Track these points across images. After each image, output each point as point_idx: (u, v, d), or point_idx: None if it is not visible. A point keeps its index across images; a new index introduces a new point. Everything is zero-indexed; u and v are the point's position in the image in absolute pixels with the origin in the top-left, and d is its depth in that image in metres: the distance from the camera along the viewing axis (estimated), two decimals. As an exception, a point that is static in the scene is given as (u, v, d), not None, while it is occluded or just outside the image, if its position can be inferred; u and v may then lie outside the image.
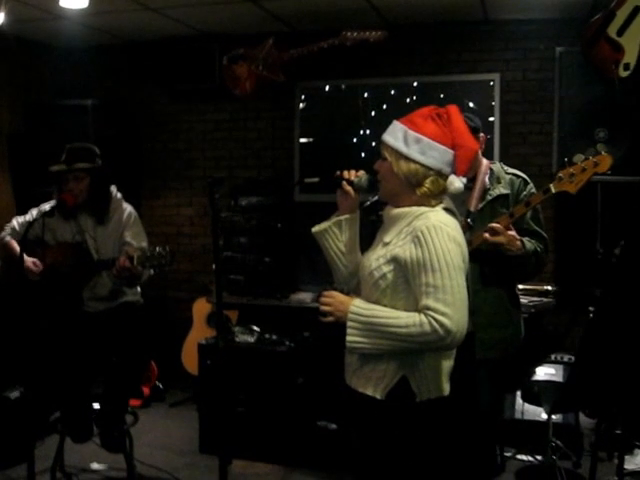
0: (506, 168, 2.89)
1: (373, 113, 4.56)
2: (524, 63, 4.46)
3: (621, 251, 3.21)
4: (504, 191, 2.77)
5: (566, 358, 3.90)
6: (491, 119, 4.31)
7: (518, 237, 2.60)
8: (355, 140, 4.60)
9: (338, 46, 4.20)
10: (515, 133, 4.48)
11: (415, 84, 4.50)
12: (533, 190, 2.77)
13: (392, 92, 4.53)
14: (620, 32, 3.36)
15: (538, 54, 4.41)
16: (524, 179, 2.83)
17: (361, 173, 2.13)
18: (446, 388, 1.99)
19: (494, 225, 2.56)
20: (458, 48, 4.58)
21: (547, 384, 3.63)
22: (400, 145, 1.96)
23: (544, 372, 3.87)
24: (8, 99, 4.85)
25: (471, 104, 4.32)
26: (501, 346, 2.76)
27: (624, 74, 3.34)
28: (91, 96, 4.88)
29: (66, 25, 4.56)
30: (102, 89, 5.19)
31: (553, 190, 2.54)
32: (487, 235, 2.56)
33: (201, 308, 4.79)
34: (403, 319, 1.85)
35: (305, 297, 4.33)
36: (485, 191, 2.76)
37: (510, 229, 2.60)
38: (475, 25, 4.51)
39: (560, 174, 2.52)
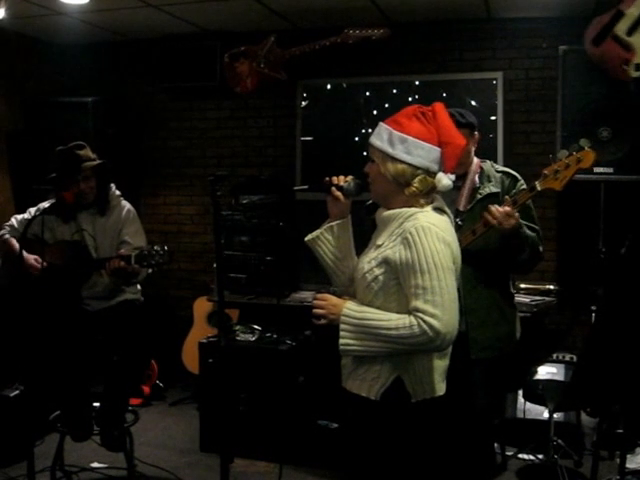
0: (496, 166, 2.87)
1: (375, 112, 4.54)
2: (527, 62, 4.44)
3: (625, 250, 3.20)
4: (494, 189, 2.75)
5: (568, 357, 3.89)
6: (494, 118, 4.30)
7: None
8: (357, 138, 4.58)
9: (340, 44, 4.19)
10: (518, 132, 4.46)
11: (417, 83, 4.48)
12: (524, 186, 2.76)
13: (394, 91, 4.51)
14: (630, 32, 3.30)
15: (541, 53, 4.39)
16: (514, 176, 2.82)
17: (350, 178, 2.13)
18: (442, 388, 1.98)
19: (507, 209, 2.55)
20: (461, 46, 4.56)
21: (549, 383, 3.61)
22: (386, 146, 1.96)
23: (546, 371, 3.86)
24: (8, 96, 4.83)
25: (474, 103, 4.30)
26: (496, 345, 2.73)
27: (635, 74, 3.29)
28: (91, 93, 4.86)
29: (66, 22, 4.55)
30: (102, 86, 5.17)
31: (539, 188, 2.55)
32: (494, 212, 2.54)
33: (202, 307, 4.77)
34: (393, 321, 1.85)
35: (306, 296, 4.31)
36: (475, 190, 2.75)
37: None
38: (478, 23, 4.49)
39: (545, 171, 2.53)
